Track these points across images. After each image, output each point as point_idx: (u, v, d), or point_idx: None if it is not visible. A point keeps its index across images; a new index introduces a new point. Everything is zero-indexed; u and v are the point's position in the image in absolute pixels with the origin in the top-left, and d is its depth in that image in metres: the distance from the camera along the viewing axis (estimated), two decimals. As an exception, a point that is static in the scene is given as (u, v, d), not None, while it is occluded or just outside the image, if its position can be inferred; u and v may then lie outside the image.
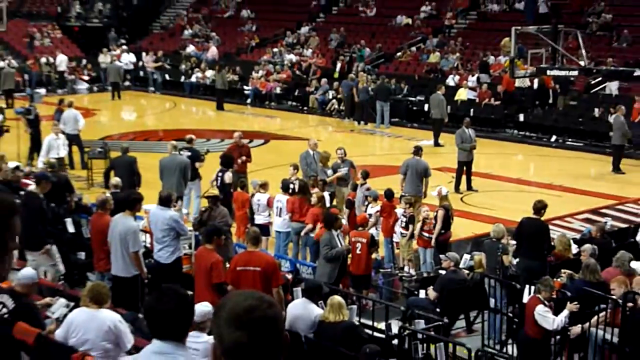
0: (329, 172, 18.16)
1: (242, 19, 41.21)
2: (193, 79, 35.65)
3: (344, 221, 15.43)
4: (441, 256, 13.99)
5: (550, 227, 15.88)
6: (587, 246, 12.97)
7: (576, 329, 10.48)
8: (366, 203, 16.37)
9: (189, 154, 18.36)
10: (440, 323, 11.28)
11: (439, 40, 34.64)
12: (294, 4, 41.50)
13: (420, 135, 26.91)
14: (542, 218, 14.53)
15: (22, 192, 15.77)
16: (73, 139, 21.16)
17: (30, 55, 37.92)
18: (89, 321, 7.87)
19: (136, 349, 6.90)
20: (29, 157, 21.44)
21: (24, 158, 21.15)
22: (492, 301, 12.39)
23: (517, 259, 13.91)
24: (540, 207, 14.38)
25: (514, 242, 14.50)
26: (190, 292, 8.96)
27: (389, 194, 16.22)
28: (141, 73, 37.78)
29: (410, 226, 15.61)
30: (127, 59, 37.51)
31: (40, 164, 19.16)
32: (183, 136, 21.17)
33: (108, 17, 42.76)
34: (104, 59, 37.13)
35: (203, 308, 7.74)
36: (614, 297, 10.43)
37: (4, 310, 8.16)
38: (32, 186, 15.63)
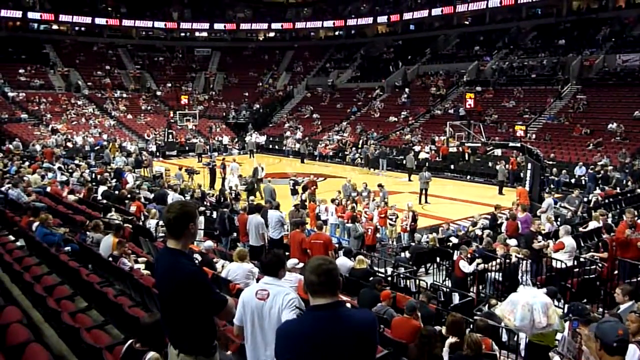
0: (354, 194, 17.82)
1: (313, 118, 41.11)
2: (289, 147, 36.07)
3: (364, 219, 15.08)
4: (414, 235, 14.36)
5: (465, 221, 16.07)
6: (487, 231, 12.85)
7: (478, 268, 10.25)
8: (374, 210, 16.20)
9: (293, 181, 19.32)
10: (412, 269, 11.34)
11: (410, 129, 34.68)
12: (339, 111, 40.90)
13: (401, 175, 26.47)
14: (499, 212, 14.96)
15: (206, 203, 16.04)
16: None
17: (209, 136, 38.19)
18: (237, 268, 7.72)
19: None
20: (210, 187, 22.03)
21: (206, 187, 21.55)
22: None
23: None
24: (495, 206, 15.14)
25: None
26: (287, 253, 9.98)
27: (385, 204, 16.43)
28: (263, 144, 38.72)
29: (398, 221, 15.54)
30: (259, 138, 38.20)
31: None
32: (287, 176, 21.55)
33: (248, 118, 43.00)
34: (246, 138, 37.73)
35: (293, 261, 7.54)
36: (498, 256, 10.41)
37: (197, 261, 7.16)
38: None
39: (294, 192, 19.40)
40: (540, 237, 11.03)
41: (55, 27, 47.63)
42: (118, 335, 5.32)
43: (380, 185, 18.13)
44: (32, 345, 4.20)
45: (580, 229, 13.09)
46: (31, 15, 44.64)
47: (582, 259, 10.15)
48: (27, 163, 20.44)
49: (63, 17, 45.86)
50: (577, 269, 9.82)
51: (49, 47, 44.47)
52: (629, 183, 20.02)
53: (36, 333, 5.05)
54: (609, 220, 12.63)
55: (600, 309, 8.24)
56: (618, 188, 19.71)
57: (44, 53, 43.56)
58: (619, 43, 32.72)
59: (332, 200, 16.26)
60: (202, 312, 3.20)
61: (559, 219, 14.59)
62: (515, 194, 17.07)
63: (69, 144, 31.41)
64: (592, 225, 12.85)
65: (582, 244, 11.72)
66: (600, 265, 9.64)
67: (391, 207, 15.94)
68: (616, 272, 9.41)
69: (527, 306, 5.36)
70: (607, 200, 16.92)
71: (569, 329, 4.52)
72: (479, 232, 13.46)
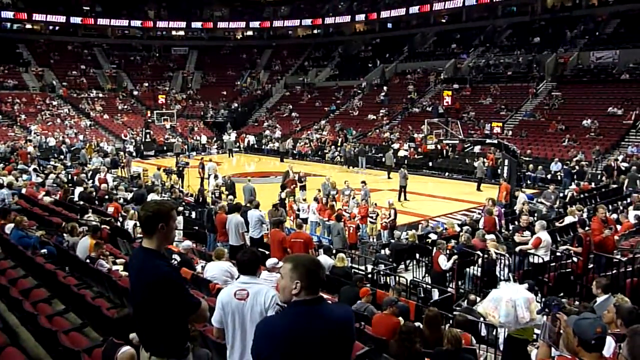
0: (333, 192, 17.80)
1: (292, 117, 41.28)
2: (269, 146, 35.98)
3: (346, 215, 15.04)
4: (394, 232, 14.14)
5: (444, 217, 16.11)
6: (465, 227, 12.91)
7: (450, 263, 10.16)
8: (354, 207, 16.17)
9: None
10: (392, 266, 11.35)
11: (389, 126, 34.79)
12: (318, 110, 41.00)
13: (380, 173, 26.56)
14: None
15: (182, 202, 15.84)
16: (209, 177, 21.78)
17: (188, 136, 38.15)
18: (216, 267, 7.64)
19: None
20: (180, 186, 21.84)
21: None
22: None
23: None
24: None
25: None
26: (267, 252, 9.75)
27: (366, 201, 16.37)
28: (254, 144, 38.42)
29: (378, 218, 15.49)
30: (249, 138, 37.93)
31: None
32: (266, 175, 21.42)
33: (226, 117, 42.81)
34: (224, 137, 37.55)
35: (273, 260, 7.19)
36: (477, 252, 10.39)
37: (175, 262, 8.07)
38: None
39: (303, 187, 19.52)
40: (527, 232, 11.12)
41: (28, 26, 46.90)
42: (97, 338, 5.24)
43: (363, 182, 18.17)
44: (9, 350, 4.15)
45: (557, 223, 13.30)
46: (4, 14, 43.94)
47: (558, 254, 10.25)
48: (0, 165, 20.12)
49: (37, 16, 45.17)
50: (553, 264, 9.91)
51: (22, 46, 43.81)
52: (604, 178, 20.41)
53: (12, 337, 5.00)
54: (584, 215, 12.86)
55: (577, 302, 8.28)
56: (593, 183, 20.08)
57: (17, 52, 42.93)
58: (593, 40, 33.26)
59: (314, 199, 16.26)
60: (175, 313, 3.13)
61: (535, 214, 14.76)
62: (500, 189, 17.16)
63: (29, 144, 30.58)
64: (568, 220, 13.08)
65: (558, 239, 11.83)
66: (575, 259, 9.72)
67: (372, 205, 15.98)
68: (591, 265, 9.54)
69: (510, 302, 5.38)
70: (582, 195, 17.23)
71: (546, 319, 4.60)
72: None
